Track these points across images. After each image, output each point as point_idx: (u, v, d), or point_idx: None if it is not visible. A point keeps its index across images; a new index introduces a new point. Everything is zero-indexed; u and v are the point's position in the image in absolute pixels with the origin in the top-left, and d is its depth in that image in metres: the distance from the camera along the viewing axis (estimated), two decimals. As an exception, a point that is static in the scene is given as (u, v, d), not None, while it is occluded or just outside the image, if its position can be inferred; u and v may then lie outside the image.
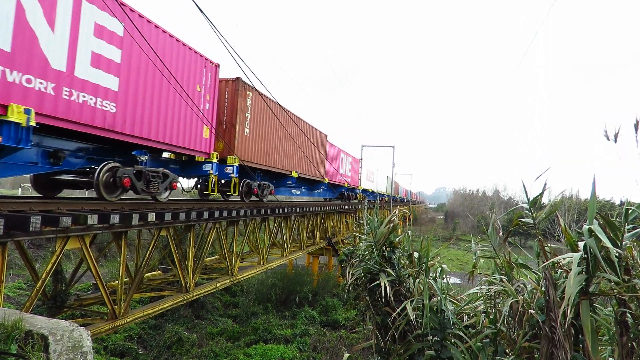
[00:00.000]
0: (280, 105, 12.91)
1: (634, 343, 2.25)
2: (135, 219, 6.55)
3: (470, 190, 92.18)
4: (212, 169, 9.49)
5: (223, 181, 10.55)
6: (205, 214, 8.60)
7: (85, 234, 5.96)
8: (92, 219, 5.69)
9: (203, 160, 9.46)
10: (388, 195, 43.62)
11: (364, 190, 30.24)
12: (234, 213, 10.08)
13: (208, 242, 9.92)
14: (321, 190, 19.91)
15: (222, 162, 10.13)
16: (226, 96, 10.50)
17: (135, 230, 8.90)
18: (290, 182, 14.74)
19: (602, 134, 2.59)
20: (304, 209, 15.37)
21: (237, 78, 10.54)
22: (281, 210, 13.17)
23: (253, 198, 12.27)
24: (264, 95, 11.78)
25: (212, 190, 9.77)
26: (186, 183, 10.82)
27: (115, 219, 6.21)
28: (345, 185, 23.68)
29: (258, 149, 11.72)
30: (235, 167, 10.35)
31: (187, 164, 9.70)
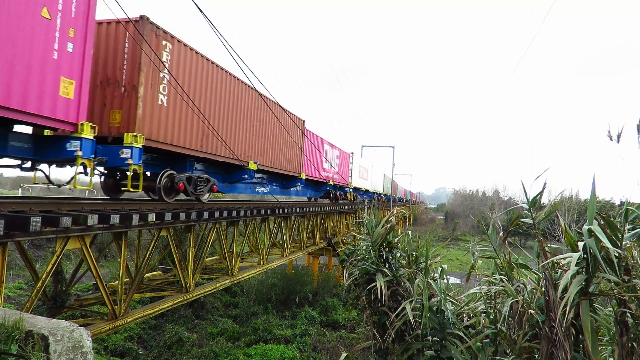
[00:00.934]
0: (228, 73, 9.71)
1: (634, 343, 2.26)
2: (136, 220, 6.55)
3: (470, 190, 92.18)
4: (80, 148, 5.87)
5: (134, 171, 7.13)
6: (205, 214, 8.61)
7: (86, 234, 5.96)
8: (92, 219, 5.69)
9: (67, 134, 5.95)
10: (386, 195, 41.48)
11: (356, 189, 27.27)
12: (234, 213, 10.08)
13: (208, 243, 9.92)
14: (298, 187, 16.36)
15: (118, 142, 6.95)
16: (126, 45, 7.14)
17: (136, 231, 8.90)
18: (246, 177, 11.01)
19: (606, 135, 2.59)
20: (304, 209, 15.36)
21: (142, 17, 6.99)
22: (281, 210, 13.17)
23: (182, 196, 9.13)
24: (196, 51, 8.37)
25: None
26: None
27: (115, 219, 6.21)
28: (331, 183, 19.86)
29: (185, 126, 8.24)
30: (135, 150, 6.84)
31: (42, 142, 6.27)
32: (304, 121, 15.51)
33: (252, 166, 11.07)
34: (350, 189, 24.72)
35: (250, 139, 11.19)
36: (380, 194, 38.13)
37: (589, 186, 2.59)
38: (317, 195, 20.13)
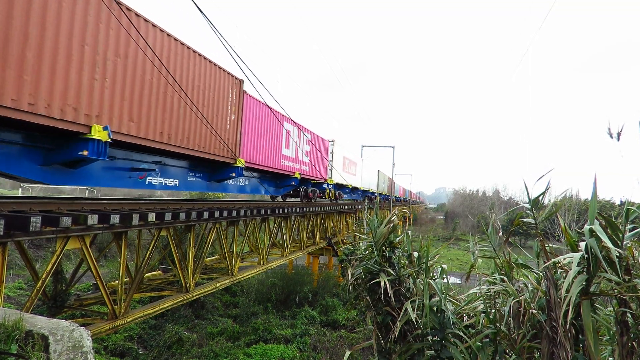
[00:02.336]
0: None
1: (634, 343, 2.25)
2: (136, 219, 6.55)
3: (470, 190, 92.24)
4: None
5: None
6: (205, 214, 8.60)
7: (86, 234, 5.96)
8: (92, 219, 5.70)
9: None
10: (381, 195, 36.83)
11: (340, 186, 21.68)
12: (234, 213, 10.08)
13: (208, 242, 9.92)
14: (233, 179, 11.00)
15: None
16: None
17: (136, 231, 8.90)
18: (86, 153, 5.73)
19: (606, 132, 2.59)
20: (304, 209, 15.36)
21: None
22: (281, 210, 13.16)
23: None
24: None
25: None
26: None
27: (115, 219, 6.21)
28: (297, 176, 14.33)
29: None
30: None
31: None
32: (241, 81, 10.15)
33: (98, 134, 5.72)
34: (330, 186, 19.17)
35: (101, 87, 5.87)
36: (373, 193, 32.74)
37: (590, 186, 2.59)
38: (279, 192, 14.43)
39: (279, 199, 17.60)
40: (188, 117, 8.02)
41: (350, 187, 23.65)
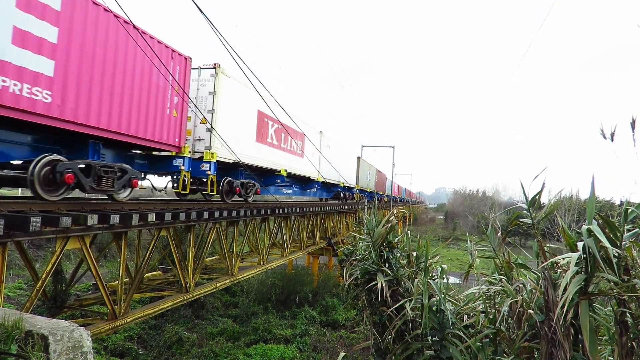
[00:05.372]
0: None
1: (633, 343, 2.26)
2: (136, 219, 6.56)
3: (470, 190, 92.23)
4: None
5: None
6: (205, 214, 8.60)
7: (85, 234, 5.97)
8: (92, 219, 5.70)
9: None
10: (363, 191, 27.76)
11: (232, 166, 10.69)
12: (234, 213, 10.08)
13: (208, 242, 9.93)
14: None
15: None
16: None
17: (136, 231, 8.90)
18: None
19: (599, 133, 2.59)
20: (304, 209, 15.36)
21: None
22: (281, 210, 13.16)
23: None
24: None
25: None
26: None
27: (115, 219, 6.21)
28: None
29: None
30: None
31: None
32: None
33: None
34: (186, 163, 8.66)
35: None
36: (351, 189, 23.97)
37: (589, 186, 2.60)
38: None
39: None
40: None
41: (283, 173, 13.11)
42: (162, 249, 10.45)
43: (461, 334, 3.21)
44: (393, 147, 34.30)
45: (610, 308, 2.48)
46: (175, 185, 9.00)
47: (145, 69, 7.31)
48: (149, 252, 7.69)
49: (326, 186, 19.95)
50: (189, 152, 8.76)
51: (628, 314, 2.28)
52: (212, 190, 9.60)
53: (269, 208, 12.49)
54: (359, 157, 26.19)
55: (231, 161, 10.00)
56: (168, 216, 7.39)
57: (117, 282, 7.53)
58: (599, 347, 2.49)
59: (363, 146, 34.33)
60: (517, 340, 2.70)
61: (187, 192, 8.96)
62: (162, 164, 8.68)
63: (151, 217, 6.92)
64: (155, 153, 8.65)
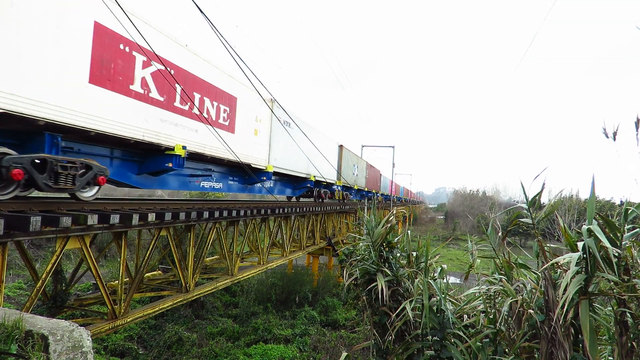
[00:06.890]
0: None
1: (633, 343, 2.26)
2: (136, 219, 6.55)
3: (470, 190, 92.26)
4: None
5: None
6: (205, 214, 8.60)
7: (85, 234, 5.96)
8: (92, 219, 5.69)
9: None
10: (347, 188, 22.33)
11: (171, 157, 7.31)
12: (234, 213, 10.08)
13: (208, 242, 9.92)
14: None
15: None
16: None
17: (136, 230, 8.90)
18: None
19: (601, 132, 2.59)
20: (304, 209, 15.35)
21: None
22: (281, 210, 13.16)
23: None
24: None
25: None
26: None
27: (115, 219, 6.21)
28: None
29: None
30: None
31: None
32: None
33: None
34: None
35: None
36: (331, 185, 18.95)
37: (589, 186, 2.59)
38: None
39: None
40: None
41: (179, 152, 7.55)
42: (162, 249, 10.46)
43: (461, 334, 3.21)
44: (393, 147, 34.29)
45: (610, 308, 2.48)
46: None
47: None
48: (149, 251, 7.69)
49: (290, 180, 15.20)
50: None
51: (628, 314, 2.27)
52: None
53: (269, 208, 12.50)
54: (341, 146, 20.30)
55: (167, 145, 7.06)
56: (168, 216, 7.39)
57: (117, 281, 7.53)
58: (599, 347, 2.49)
59: (363, 146, 34.34)
60: (517, 340, 2.70)
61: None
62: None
63: (151, 217, 6.91)
64: None
